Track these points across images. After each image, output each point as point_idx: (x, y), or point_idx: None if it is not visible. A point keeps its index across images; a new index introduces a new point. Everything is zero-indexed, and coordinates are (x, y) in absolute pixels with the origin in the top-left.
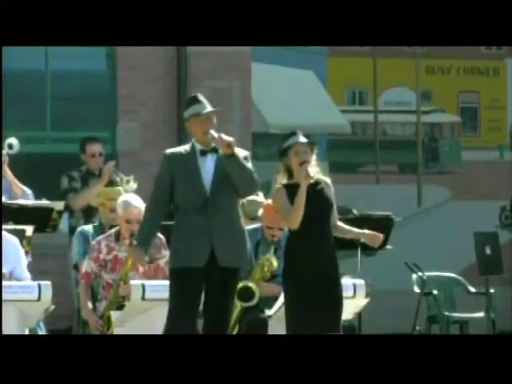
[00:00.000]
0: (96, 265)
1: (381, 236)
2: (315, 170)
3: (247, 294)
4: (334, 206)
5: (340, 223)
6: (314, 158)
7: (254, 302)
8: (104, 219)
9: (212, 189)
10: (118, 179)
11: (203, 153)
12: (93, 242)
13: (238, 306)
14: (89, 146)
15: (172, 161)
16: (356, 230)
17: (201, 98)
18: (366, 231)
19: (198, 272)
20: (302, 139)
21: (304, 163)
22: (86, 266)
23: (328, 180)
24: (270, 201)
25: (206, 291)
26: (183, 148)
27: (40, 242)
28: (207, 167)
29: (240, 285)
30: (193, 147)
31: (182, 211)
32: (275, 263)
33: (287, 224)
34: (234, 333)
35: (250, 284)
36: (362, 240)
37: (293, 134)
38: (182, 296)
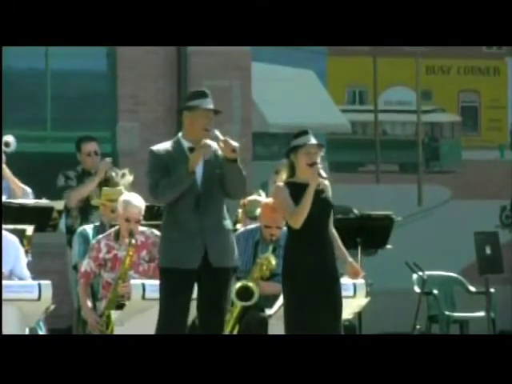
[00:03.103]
0: (95, 264)
1: (361, 273)
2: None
3: (246, 293)
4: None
5: (334, 233)
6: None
7: (253, 301)
8: (105, 219)
9: (203, 187)
10: (113, 174)
11: (191, 150)
12: (92, 242)
13: (238, 305)
14: (84, 144)
15: (162, 156)
16: (344, 250)
17: (208, 93)
18: (351, 261)
19: (191, 273)
20: (314, 140)
21: (314, 164)
22: (86, 265)
23: (327, 182)
24: (268, 200)
25: (200, 293)
26: (168, 144)
27: (40, 242)
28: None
29: (239, 284)
30: (179, 144)
31: (173, 209)
32: (274, 262)
33: (290, 222)
34: (235, 333)
35: (249, 283)
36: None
37: (304, 132)
38: (175, 298)
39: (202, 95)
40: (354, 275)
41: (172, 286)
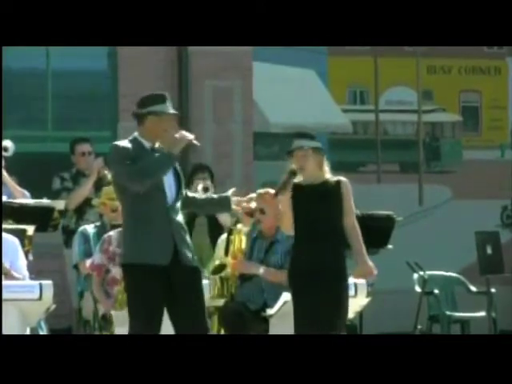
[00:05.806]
0: (106, 257)
1: (375, 273)
2: (310, 176)
3: (220, 268)
4: (346, 207)
5: (355, 231)
6: (316, 160)
7: (224, 273)
8: (105, 219)
9: (175, 190)
10: (105, 172)
11: (153, 150)
12: (104, 236)
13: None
14: (78, 146)
15: (128, 148)
16: (363, 250)
17: (168, 96)
18: (366, 260)
19: (163, 270)
20: (303, 143)
21: (299, 169)
22: (98, 258)
23: (342, 179)
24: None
25: (176, 291)
26: (128, 142)
27: (40, 242)
28: None
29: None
30: (139, 143)
31: (139, 199)
32: (245, 228)
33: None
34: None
35: (222, 261)
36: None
37: (298, 135)
38: (151, 298)
39: (164, 99)
40: (366, 274)
41: (145, 285)
